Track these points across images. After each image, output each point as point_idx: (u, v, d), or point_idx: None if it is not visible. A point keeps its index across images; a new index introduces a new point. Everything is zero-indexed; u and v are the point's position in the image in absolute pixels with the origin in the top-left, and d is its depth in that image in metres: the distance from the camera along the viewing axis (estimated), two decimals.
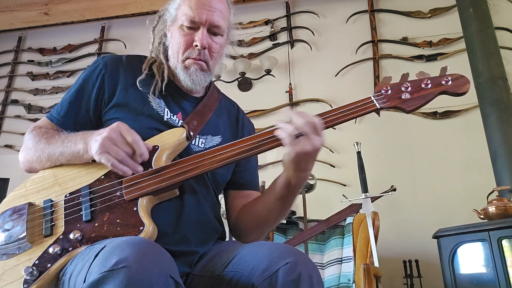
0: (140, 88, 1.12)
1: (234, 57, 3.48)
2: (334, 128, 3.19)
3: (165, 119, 1.12)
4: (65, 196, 0.99)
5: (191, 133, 1.09)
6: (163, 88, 1.14)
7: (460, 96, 1.03)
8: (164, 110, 1.13)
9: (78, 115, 1.12)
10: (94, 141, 0.97)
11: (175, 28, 1.15)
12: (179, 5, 1.16)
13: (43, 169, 1.08)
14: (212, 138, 1.17)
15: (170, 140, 1.05)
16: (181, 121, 1.13)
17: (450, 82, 1.03)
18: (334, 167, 3.25)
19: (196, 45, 1.11)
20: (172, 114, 1.13)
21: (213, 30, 1.14)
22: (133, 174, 0.97)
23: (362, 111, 1.02)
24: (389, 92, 1.04)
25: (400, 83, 1.05)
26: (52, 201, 0.99)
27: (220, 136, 1.19)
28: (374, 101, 1.03)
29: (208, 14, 1.11)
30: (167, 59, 1.19)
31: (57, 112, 1.14)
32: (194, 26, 1.12)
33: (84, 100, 1.12)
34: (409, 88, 1.03)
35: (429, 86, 1.03)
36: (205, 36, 1.12)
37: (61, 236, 0.93)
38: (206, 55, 1.14)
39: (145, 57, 1.22)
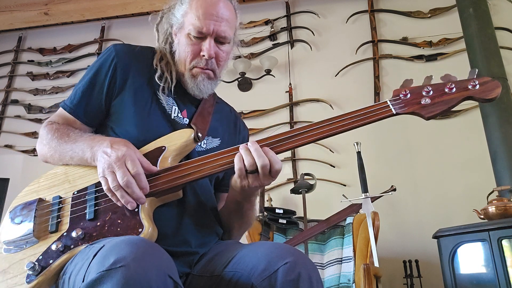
0: (157, 79, 1.13)
1: (234, 57, 3.48)
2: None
3: (173, 117, 1.12)
4: (73, 194, 1.00)
5: (199, 135, 1.09)
6: (172, 88, 1.14)
7: (488, 102, 0.95)
8: (172, 107, 1.14)
9: (89, 104, 1.12)
10: (100, 157, 0.97)
11: (182, 36, 1.15)
12: (185, 12, 1.14)
13: (57, 165, 1.09)
14: (212, 140, 1.18)
15: (178, 141, 1.05)
16: (186, 119, 1.14)
17: (477, 87, 0.94)
18: (334, 167, 3.25)
19: (203, 55, 1.12)
20: (179, 112, 1.14)
21: (220, 40, 1.14)
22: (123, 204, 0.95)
23: (377, 116, 0.97)
24: (408, 96, 0.97)
25: (421, 86, 0.98)
26: (60, 197, 1.01)
27: (219, 138, 1.20)
28: (390, 106, 0.97)
29: (215, 24, 1.11)
30: (174, 61, 1.19)
31: (70, 100, 1.14)
32: (201, 36, 1.12)
33: (96, 89, 1.12)
34: (431, 92, 0.95)
35: (454, 90, 0.94)
36: (212, 46, 1.12)
37: (64, 233, 0.94)
38: (213, 64, 1.14)
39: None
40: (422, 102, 0.96)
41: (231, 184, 1.04)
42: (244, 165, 0.94)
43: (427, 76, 0.99)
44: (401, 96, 0.98)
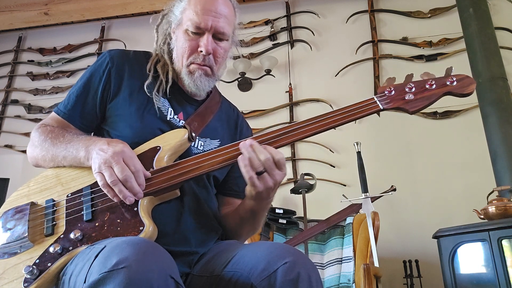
0: (145, 88, 1.12)
1: (234, 57, 3.48)
2: (334, 128, 3.19)
3: (168, 119, 1.12)
4: (67, 196, 1.00)
5: (193, 134, 1.09)
6: (168, 89, 1.14)
7: (465, 96, 1.02)
8: (167, 109, 1.13)
9: (84, 109, 1.12)
10: (95, 154, 0.96)
11: (180, 32, 1.15)
12: (184, 8, 1.15)
13: (48, 167, 1.09)
14: (211, 142, 1.18)
15: (172, 141, 1.05)
16: (182, 121, 1.13)
17: (455, 83, 1.01)
18: (334, 167, 3.25)
19: (201, 51, 1.11)
20: (174, 115, 1.14)
21: (218, 36, 1.13)
22: (120, 201, 0.94)
23: (365, 112, 1.02)
24: (393, 93, 1.03)
25: (404, 84, 1.04)
26: (54, 200, 1.00)
27: (218, 140, 1.20)
28: (377, 101, 1.02)
29: (213, 20, 1.11)
30: (171, 60, 1.19)
31: (64, 106, 1.14)
32: (199, 32, 1.12)
33: (91, 94, 1.12)
34: (413, 89, 1.02)
35: (434, 86, 1.02)
36: (210, 42, 1.11)
37: (62, 236, 0.93)
38: (211, 61, 1.14)
39: (152, 54, 1.22)
40: (406, 98, 1.02)
41: (246, 194, 1.04)
42: (252, 168, 0.95)
43: (408, 74, 1.05)
44: (386, 92, 1.04)
